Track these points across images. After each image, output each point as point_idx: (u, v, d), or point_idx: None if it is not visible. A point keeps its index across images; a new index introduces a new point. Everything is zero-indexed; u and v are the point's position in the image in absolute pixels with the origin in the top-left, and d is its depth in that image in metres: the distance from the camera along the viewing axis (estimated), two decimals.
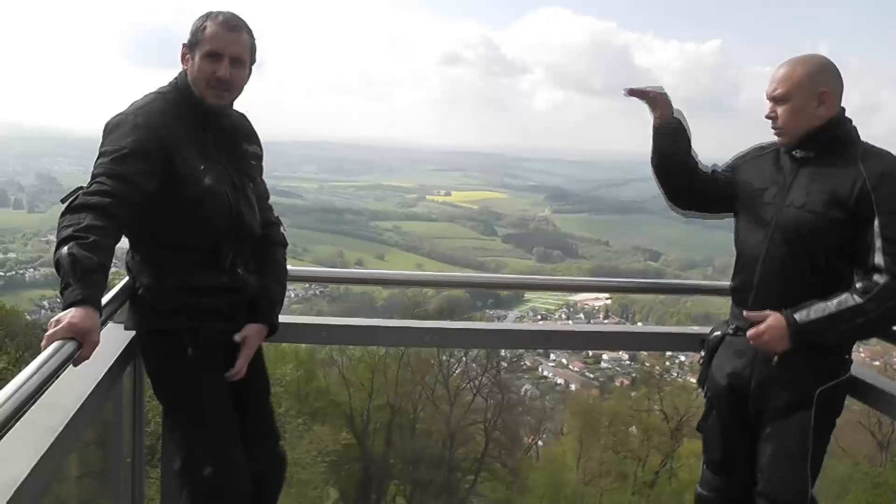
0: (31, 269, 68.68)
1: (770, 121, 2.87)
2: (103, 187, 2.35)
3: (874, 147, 2.81)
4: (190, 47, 2.69)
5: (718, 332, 3.09)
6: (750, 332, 2.77)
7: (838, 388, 2.82)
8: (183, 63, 2.71)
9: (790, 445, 2.79)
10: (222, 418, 2.77)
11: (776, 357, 2.78)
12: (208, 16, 2.68)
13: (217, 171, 2.69)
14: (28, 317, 29.22)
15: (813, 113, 2.77)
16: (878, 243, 2.62)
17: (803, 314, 2.68)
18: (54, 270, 2.16)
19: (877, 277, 2.61)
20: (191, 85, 2.69)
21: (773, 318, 2.72)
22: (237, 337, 2.81)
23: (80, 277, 2.10)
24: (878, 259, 2.62)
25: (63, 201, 2.33)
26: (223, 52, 2.65)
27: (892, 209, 2.64)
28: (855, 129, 2.84)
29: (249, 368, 2.88)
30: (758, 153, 3.08)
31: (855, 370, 2.92)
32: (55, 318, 2.05)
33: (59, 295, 2.13)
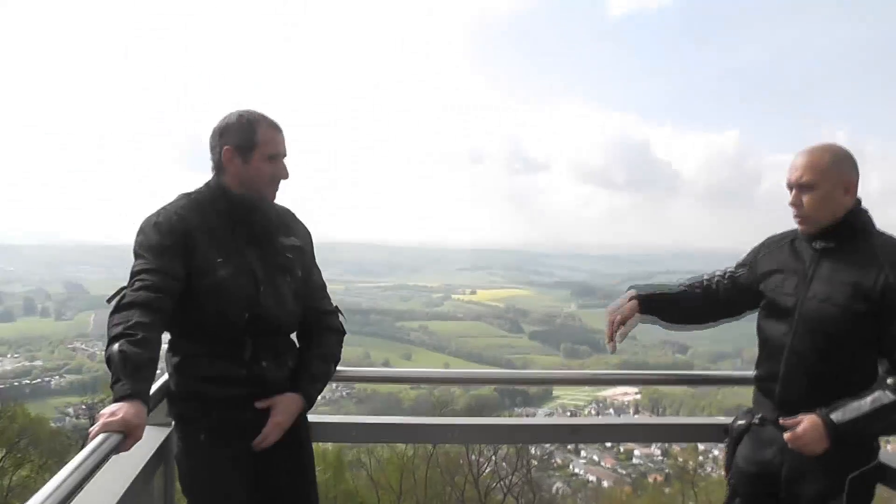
0: (57, 377, 68.73)
1: (794, 208, 2.86)
2: (145, 282, 2.50)
3: (891, 237, 2.81)
4: (240, 150, 2.77)
5: (743, 422, 3.05)
6: (787, 436, 2.72)
7: (868, 474, 2.77)
8: (227, 165, 2.79)
9: None
10: None
11: None
12: (253, 119, 2.80)
13: (237, 263, 2.75)
14: (53, 424, 29.25)
15: (839, 202, 2.78)
16: None
17: (839, 415, 2.62)
18: (104, 368, 2.28)
19: None
20: (237, 185, 2.80)
21: (808, 422, 2.66)
22: (261, 404, 2.79)
23: (130, 373, 2.21)
24: None
25: (109, 301, 2.49)
26: (280, 153, 2.83)
27: None
28: (871, 218, 2.84)
29: (292, 462, 2.93)
30: (774, 244, 3.08)
31: (883, 456, 2.87)
32: (108, 409, 2.16)
33: (110, 388, 2.24)
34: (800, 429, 2.67)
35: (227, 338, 2.74)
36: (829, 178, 2.76)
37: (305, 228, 3.08)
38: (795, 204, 2.83)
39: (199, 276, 2.67)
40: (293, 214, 3.06)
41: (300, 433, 2.96)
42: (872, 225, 2.84)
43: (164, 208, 2.76)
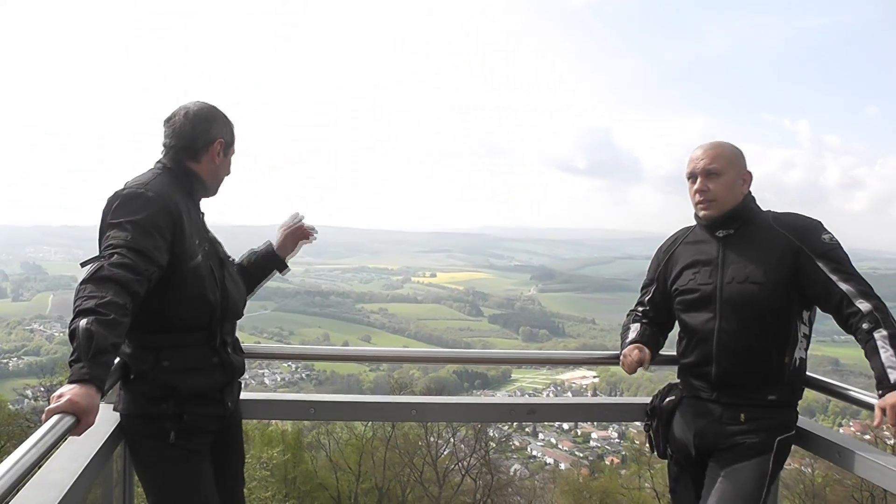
0: (15, 358, 67.72)
1: (699, 194, 3.05)
2: (126, 260, 2.34)
3: (778, 212, 3.07)
4: (225, 146, 2.86)
5: (673, 397, 3.25)
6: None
7: (791, 437, 3.00)
8: (212, 155, 2.81)
9: (747, 486, 2.91)
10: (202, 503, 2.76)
11: (742, 415, 2.96)
12: (229, 118, 2.90)
13: (206, 248, 2.76)
14: (11, 406, 28.84)
15: (739, 190, 3.03)
16: (834, 280, 2.83)
17: (893, 375, 2.63)
18: (63, 350, 2.23)
19: (860, 305, 2.78)
20: (207, 175, 2.83)
21: (894, 398, 2.60)
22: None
23: (92, 356, 2.11)
24: (846, 288, 2.81)
25: (83, 265, 2.34)
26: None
27: (823, 252, 2.87)
28: (756, 202, 3.10)
29: (227, 443, 2.93)
30: (668, 250, 3.29)
31: (800, 423, 3.11)
32: (58, 392, 2.10)
33: (68, 364, 2.16)
34: (894, 414, 2.61)
35: (201, 325, 2.71)
36: (734, 167, 3.02)
37: None
38: (702, 190, 3.04)
39: (180, 261, 2.60)
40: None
41: (236, 415, 2.99)
42: (759, 207, 3.10)
43: (149, 182, 2.63)
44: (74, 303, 2.23)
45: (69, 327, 2.20)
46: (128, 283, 2.30)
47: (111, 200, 2.55)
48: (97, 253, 2.42)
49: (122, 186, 2.62)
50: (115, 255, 2.35)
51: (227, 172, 2.92)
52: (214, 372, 2.75)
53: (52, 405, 2.04)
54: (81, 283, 2.27)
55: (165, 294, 2.57)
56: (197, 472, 2.74)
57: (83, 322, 2.15)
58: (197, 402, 2.70)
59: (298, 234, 3.27)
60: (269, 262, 3.23)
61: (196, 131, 2.76)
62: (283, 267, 3.27)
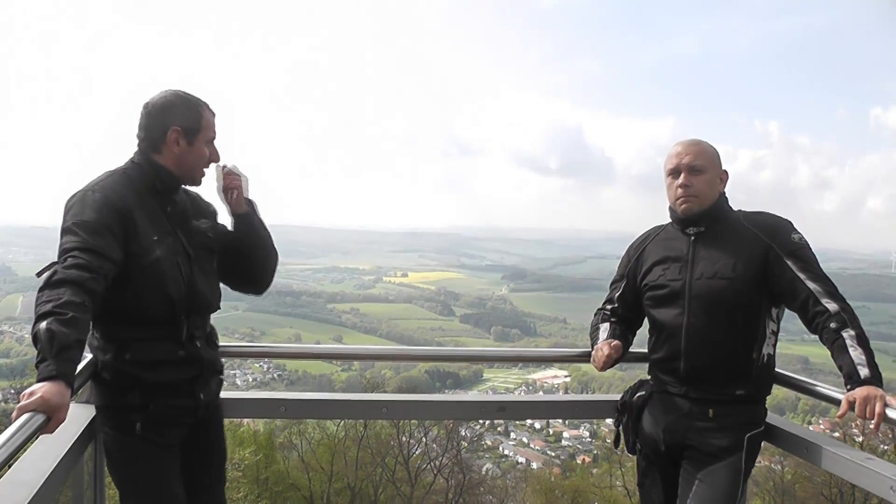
0: None
1: (682, 189, 3.08)
2: (79, 261, 2.39)
3: (749, 211, 3.14)
4: (186, 133, 2.78)
5: (643, 392, 3.30)
6: (874, 424, 2.68)
7: (760, 433, 3.05)
8: (170, 145, 2.77)
9: (723, 487, 2.96)
10: (169, 499, 2.74)
11: (711, 410, 3.01)
12: (197, 102, 2.82)
13: (169, 242, 2.73)
14: None
15: (716, 189, 3.10)
16: (802, 278, 2.90)
17: (866, 371, 2.69)
18: (33, 351, 2.22)
19: (828, 305, 2.84)
20: (175, 166, 2.80)
21: (864, 391, 2.65)
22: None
23: (56, 353, 2.14)
24: (814, 287, 2.88)
25: (39, 275, 2.39)
26: (215, 136, 2.88)
27: (792, 251, 2.94)
28: (728, 201, 3.15)
29: (208, 440, 2.94)
30: (639, 247, 3.34)
31: (769, 419, 3.16)
32: (28, 390, 2.11)
33: (35, 367, 2.18)
34: (870, 407, 2.64)
35: (165, 319, 2.71)
36: (714, 165, 3.09)
37: (214, 207, 3.08)
38: (686, 185, 3.07)
39: (137, 257, 2.62)
40: (200, 196, 3.06)
41: (216, 412, 3.01)
42: (730, 206, 3.15)
43: (98, 183, 2.68)
44: (34, 310, 2.26)
45: (32, 334, 2.23)
46: (83, 282, 2.34)
47: (66, 205, 2.62)
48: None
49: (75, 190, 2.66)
50: (69, 259, 2.41)
51: (203, 159, 2.84)
52: (180, 366, 2.75)
53: (22, 402, 2.04)
54: (39, 291, 2.32)
55: (125, 289, 2.60)
56: (164, 466, 2.75)
57: (43, 324, 2.20)
58: (164, 394, 2.71)
59: (230, 184, 3.03)
60: (238, 229, 3.04)
61: (152, 123, 2.78)
62: (243, 221, 3.03)
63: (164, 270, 2.67)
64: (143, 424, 2.68)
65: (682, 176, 3.07)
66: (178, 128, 2.76)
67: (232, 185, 3.00)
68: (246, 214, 3.04)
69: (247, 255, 3.05)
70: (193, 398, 2.80)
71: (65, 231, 2.53)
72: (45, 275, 2.38)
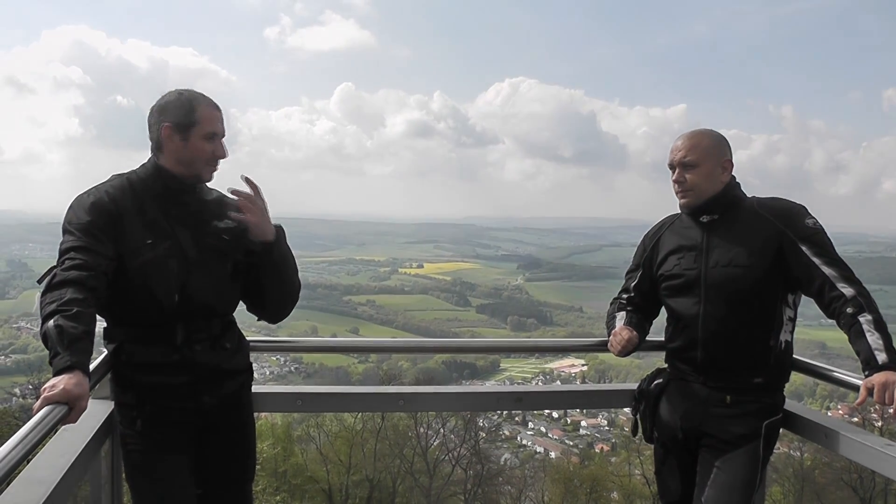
0: (2, 357, 67.22)
1: (677, 184, 3.12)
2: (76, 261, 2.47)
3: (762, 197, 3.15)
4: (179, 128, 2.74)
5: (660, 380, 3.31)
6: (893, 409, 2.79)
7: (778, 420, 3.07)
8: (165, 143, 2.76)
9: (742, 474, 2.97)
10: (174, 495, 2.76)
11: (728, 397, 3.03)
12: (192, 97, 2.78)
13: (166, 245, 2.72)
14: None
15: (719, 178, 3.09)
16: (817, 263, 2.90)
17: (884, 356, 2.69)
18: (41, 343, 2.26)
19: (844, 290, 2.85)
20: (175, 164, 2.78)
21: (882, 377, 2.65)
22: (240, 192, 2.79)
23: (67, 345, 2.19)
24: (829, 272, 2.89)
25: (39, 282, 2.48)
26: (219, 132, 2.81)
27: (806, 236, 2.94)
28: (741, 188, 3.16)
29: (233, 446, 2.94)
30: (654, 235, 3.36)
31: (787, 405, 3.17)
32: (49, 383, 2.13)
33: (49, 363, 2.21)
34: (889, 393, 2.64)
35: (157, 322, 2.72)
36: (710, 157, 3.08)
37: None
38: (679, 181, 3.12)
39: (128, 259, 2.64)
40: (227, 197, 2.90)
41: (244, 405, 3.01)
42: (743, 192, 3.16)
43: (96, 187, 2.74)
44: (40, 314, 2.33)
45: (41, 334, 2.29)
46: (83, 281, 2.41)
47: (68, 210, 2.68)
48: None
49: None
50: (66, 260, 2.48)
51: (202, 154, 2.78)
52: (175, 370, 2.74)
53: (45, 394, 2.08)
54: (42, 295, 2.39)
55: (117, 292, 2.62)
56: (168, 464, 2.75)
57: (50, 322, 2.26)
58: (160, 395, 2.72)
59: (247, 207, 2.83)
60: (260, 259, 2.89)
61: (151, 124, 2.80)
62: (266, 248, 2.86)
63: (150, 274, 2.67)
64: (144, 423, 2.72)
65: (676, 171, 3.12)
66: (168, 123, 2.75)
67: (243, 207, 2.81)
68: (263, 244, 2.87)
69: (262, 285, 2.95)
70: (194, 401, 2.79)
71: (63, 232, 2.62)
72: (46, 279, 2.46)
